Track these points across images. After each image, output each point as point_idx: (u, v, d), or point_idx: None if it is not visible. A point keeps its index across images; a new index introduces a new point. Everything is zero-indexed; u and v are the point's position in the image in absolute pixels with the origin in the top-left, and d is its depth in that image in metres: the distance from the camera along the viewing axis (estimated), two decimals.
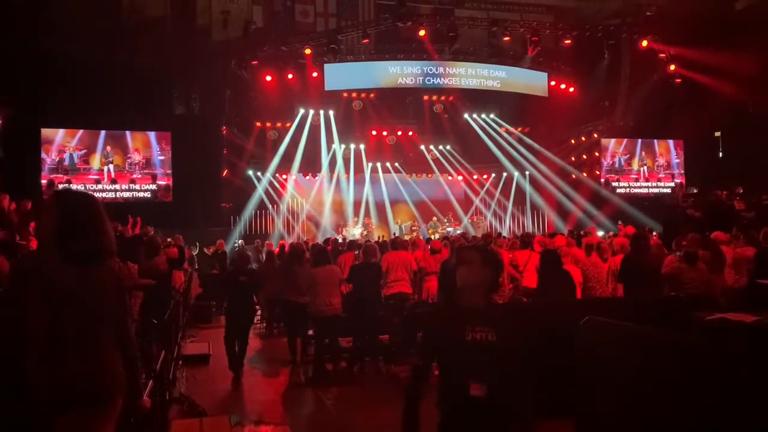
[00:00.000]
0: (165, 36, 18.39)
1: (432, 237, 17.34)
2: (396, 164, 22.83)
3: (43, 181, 16.22)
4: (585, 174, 22.75)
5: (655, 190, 22.38)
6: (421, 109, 22.77)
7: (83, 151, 17.50)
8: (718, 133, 20.38)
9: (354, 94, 21.51)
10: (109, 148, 17.81)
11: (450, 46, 19.76)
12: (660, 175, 22.58)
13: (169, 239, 7.83)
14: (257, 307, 9.45)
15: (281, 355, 8.63)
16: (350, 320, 7.56)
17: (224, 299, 9.05)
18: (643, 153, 22.61)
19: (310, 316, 7.68)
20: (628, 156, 22.47)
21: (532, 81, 21.19)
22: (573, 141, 23.41)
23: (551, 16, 21.49)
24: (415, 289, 9.00)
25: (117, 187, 17.76)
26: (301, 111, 21.06)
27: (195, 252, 14.74)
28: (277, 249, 12.58)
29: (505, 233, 19.88)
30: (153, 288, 6.19)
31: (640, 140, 22.45)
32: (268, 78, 18.96)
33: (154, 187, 18.14)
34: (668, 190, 22.00)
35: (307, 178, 22.20)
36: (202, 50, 18.58)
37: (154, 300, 6.33)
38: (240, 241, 16.61)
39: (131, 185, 17.93)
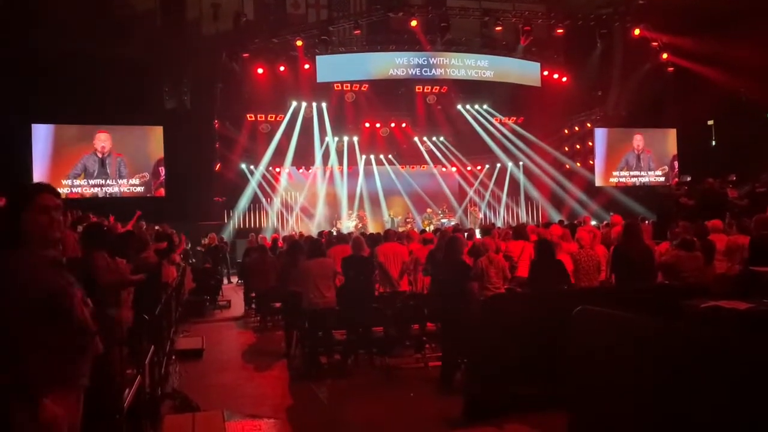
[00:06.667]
0: (155, 29, 18.21)
1: (426, 228, 17.31)
2: (390, 156, 22.78)
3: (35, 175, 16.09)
4: (578, 164, 22.75)
5: (647, 180, 22.38)
6: (414, 100, 22.72)
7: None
8: (711, 122, 20.38)
9: (347, 86, 21.42)
10: (100, 143, 17.69)
11: (442, 37, 19.67)
12: (652, 164, 22.58)
13: (156, 227, 7.78)
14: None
15: (275, 349, 8.59)
16: (344, 313, 7.52)
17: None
18: (636, 142, 22.60)
19: (305, 308, 7.64)
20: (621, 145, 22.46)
21: (524, 71, 21.13)
22: (566, 131, 23.40)
23: (543, 5, 21.39)
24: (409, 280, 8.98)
25: (109, 182, 17.66)
26: (294, 104, 20.95)
27: (188, 246, 14.67)
28: (270, 242, 12.53)
29: (499, 224, 19.87)
30: (144, 282, 6.15)
31: (632, 129, 22.44)
32: (260, 71, 18.83)
33: (146, 181, 18.04)
34: (662, 179, 22.02)
35: (301, 171, 22.11)
36: (192, 44, 18.42)
37: (146, 294, 6.27)
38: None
39: (122, 180, 17.83)
